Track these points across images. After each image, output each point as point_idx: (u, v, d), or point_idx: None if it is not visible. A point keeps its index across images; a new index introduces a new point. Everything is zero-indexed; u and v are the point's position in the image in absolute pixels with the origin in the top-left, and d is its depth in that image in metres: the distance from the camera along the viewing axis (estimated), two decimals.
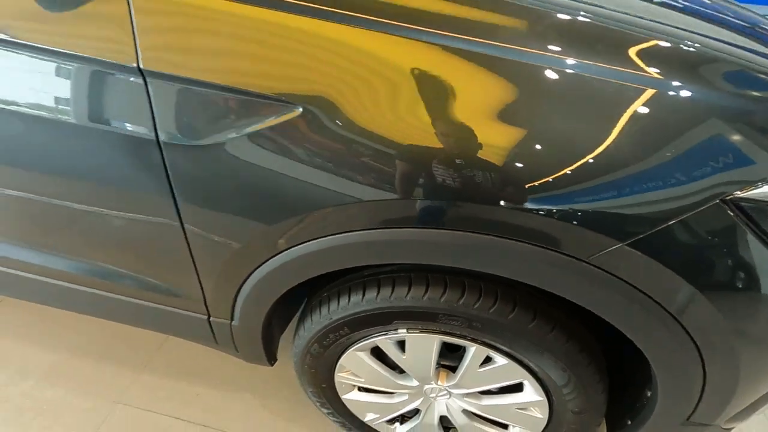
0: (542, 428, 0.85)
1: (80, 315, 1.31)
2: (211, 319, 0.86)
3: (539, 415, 0.83)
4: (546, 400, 0.79)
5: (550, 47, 0.53)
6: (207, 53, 0.54)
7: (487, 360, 0.77)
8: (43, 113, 0.64)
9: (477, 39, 0.53)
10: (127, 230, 0.74)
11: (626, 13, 0.62)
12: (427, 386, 0.87)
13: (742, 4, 0.96)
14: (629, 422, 0.82)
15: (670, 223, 0.51)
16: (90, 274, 0.87)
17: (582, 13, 0.59)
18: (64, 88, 0.62)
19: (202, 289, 0.80)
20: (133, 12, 0.54)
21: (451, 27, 0.53)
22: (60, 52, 0.59)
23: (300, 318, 0.87)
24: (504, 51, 0.52)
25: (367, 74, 0.54)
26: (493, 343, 0.73)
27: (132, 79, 0.56)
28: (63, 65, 0.60)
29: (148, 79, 0.56)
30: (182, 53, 0.55)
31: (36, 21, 0.60)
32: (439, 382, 0.85)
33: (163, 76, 0.55)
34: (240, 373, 1.23)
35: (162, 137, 0.59)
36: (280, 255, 0.69)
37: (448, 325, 0.71)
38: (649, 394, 0.75)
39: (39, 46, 0.59)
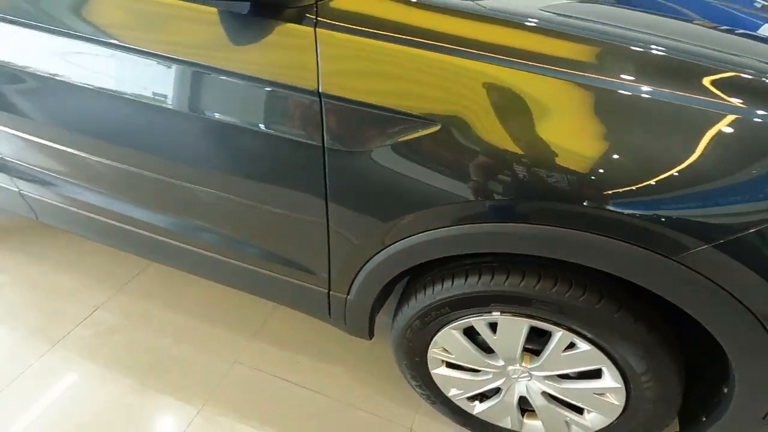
0: (617, 415, 0.94)
1: (201, 283, 1.58)
2: (331, 293, 1.04)
3: (616, 402, 0.92)
4: (624, 387, 0.88)
5: (642, 79, 0.64)
6: (371, 81, 0.72)
7: (571, 345, 0.88)
8: (231, 120, 0.84)
9: (589, 74, 0.65)
10: (280, 216, 0.93)
11: (715, 48, 0.71)
12: (510, 367, 0.99)
13: None
14: (704, 419, 0.89)
15: (752, 230, 0.60)
16: (238, 250, 1.08)
17: (673, 48, 0.69)
18: (251, 103, 0.82)
19: (329, 267, 0.98)
20: (319, 49, 0.72)
21: (557, 62, 0.66)
22: (248, 76, 0.79)
23: (403, 297, 1.02)
24: (614, 85, 0.65)
25: (492, 100, 0.68)
26: (578, 329, 0.84)
27: (310, 98, 0.75)
28: (250, 86, 0.80)
29: (323, 100, 0.74)
30: (352, 81, 0.72)
31: (227, 51, 0.80)
32: (523, 364, 0.97)
33: (336, 97, 0.73)
34: (334, 347, 1.42)
35: (327, 144, 0.77)
36: (400, 242, 0.85)
37: (539, 310, 0.83)
38: (725, 390, 0.82)
39: (228, 70, 0.79)
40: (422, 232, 0.81)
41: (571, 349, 0.88)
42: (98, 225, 1.23)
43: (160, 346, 1.41)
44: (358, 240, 0.89)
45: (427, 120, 0.70)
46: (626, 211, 0.64)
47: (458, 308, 0.91)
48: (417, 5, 0.72)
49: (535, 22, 0.71)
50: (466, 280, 0.88)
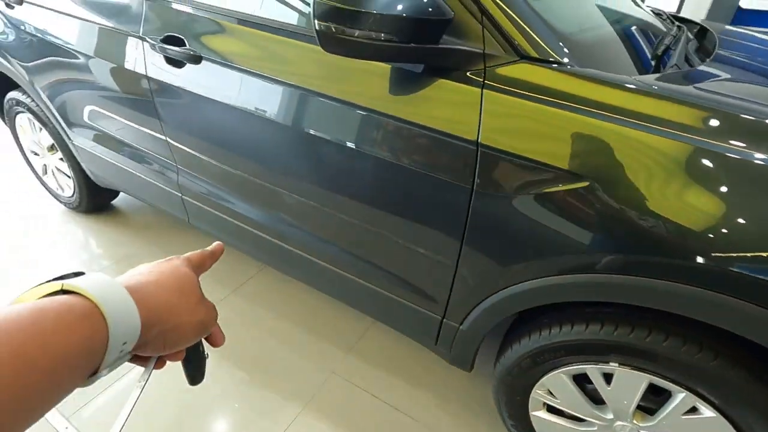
0: None
1: (303, 293, 1.72)
2: (444, 320, 1.12)
3: None
4: None
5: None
6: (529, 137, 0.81)
7: (693, 409, 0.87)
8: (391, 158, 0.97)
9: (726, 144, 0.70)
10: (414, 245, 1.04)
11: None
12: (619, 422, 0.99)
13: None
14: None
15: None
16: (362, 269, 1.21)
17: None
18: (412, 146, 0.94)
19: (449, 297, 1.07)
20: (483, 107, 0.84)
21: (698, 132, 0.72)
22: (412, 122, 0.92)
23: (515, 334, 1.08)
24: (749, 155, 0.69)
25: (638, 163, 0.75)
26: (705, 393, 0.84)
27: (469, 147, 0.86)
28: (412, 131, 0.93)
29: (480, 149, 0.85)
30: (511, 135, 0.83)
31: (395, 100, 0.94)
32: (634, 421, 0.97)
33: (493, 148, 0.84)
34: (426, 373, 1.48)
35: (476, 188, 0.87)
36: (526, 282, 0.92)
37: (663, 367, 0.85)
38: None
39: (395, 115, 0.93)
40: (551, 275, 0.87)
41: (692, 414, 0.88)
42: (240, 231, 1.43)
43: (266, 347, 1.56)
44: (484, 275, 0.97)
45: (576, 175, 0.78)
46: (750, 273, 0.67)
47: (574, 354, 0.95)
48: (576, 75, 0.82)
49: (683, 96, 0.78)
50: (586, 327, 0.91)
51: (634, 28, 1.23)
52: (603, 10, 1.22)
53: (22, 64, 1.69)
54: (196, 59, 1.17)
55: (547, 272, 0.89)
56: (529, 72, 0.82)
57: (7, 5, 1.62)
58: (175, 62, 1.22)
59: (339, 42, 0.78)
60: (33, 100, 1.83)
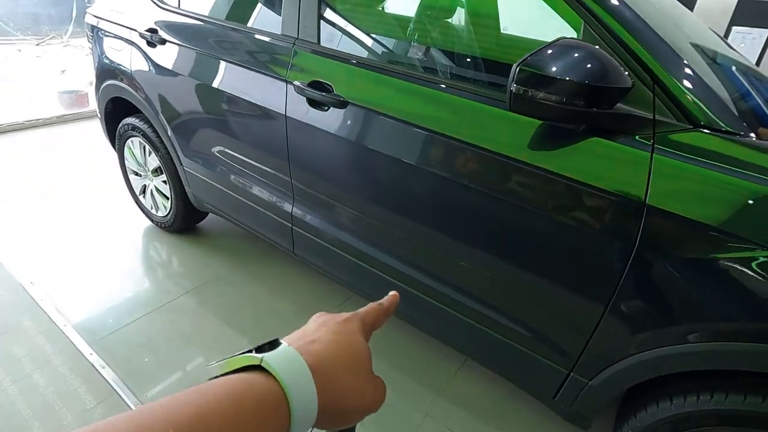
0: None
1: (394, 331, 1.73)
2: (572, 375, 1.11)
3: None
4: None
5: None
6: (702, 202, 0.84)
7: None
8: (537, 210, 1.01)
9: None
10: (559, 298, 1.05)
11: None
12: None
13: None
14: None
15: None
16: (491, 316, 1.21)
17: None
18: (566, 200, 0.98)
19: (583, 350, 1.06)
20: (653, 169, 0.87)
21: None
22: (565, 176, 0.96)
23: (650, 397, 1.05)
24: None
25: None
26: None
27: (634, 206, 0.89)
28: (565, 185, 0.97)
29: (647, 209, 0.87)
30: (681, 199, 0.85)
31: (543, 154, 0.98)
32: None
33: (661, 210, 0.86)
34: (521, 424, 1.44)
35: (638, 247, 0.89)
36: (676, 347, 0.92)
37: None
38: None
39: (544, 168, 0.97)
40: (703, 341, 0.87)
41: None
42: (358, 269, 1.47)
43: None
44: (628, 334, 0.97)
45: (750, 242, 0.79)
46: None
47: (729, 423, 0.92)
48: (752, 146, 0.85)
49: None
50: (745, 398, 0.89)
51: None
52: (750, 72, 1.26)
53: (152, 94, 1.85)
54: (342, 104, 1.26)
55: (704, 338, 0.88)
56: (706, 140, 0.86)
57: (149, 44, 1.79)
58: (318, 105, 1.32)
59: (527, 102, 0.84)
60: (150, 126, 1.99)
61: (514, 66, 0.82)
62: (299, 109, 1.36)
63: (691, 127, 0.87)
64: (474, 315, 1.24)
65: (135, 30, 1.84)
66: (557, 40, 0.85)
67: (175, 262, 2.12)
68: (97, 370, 1.50)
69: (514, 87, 0.83)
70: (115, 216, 2.41)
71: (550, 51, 0.83)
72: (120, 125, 2.17)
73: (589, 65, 0.82)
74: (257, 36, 1.49)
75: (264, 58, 1.45)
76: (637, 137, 0.90)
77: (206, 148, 1.76)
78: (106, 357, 1.55)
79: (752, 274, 0.80)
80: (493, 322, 1.21)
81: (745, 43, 2.80)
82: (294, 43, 1.38)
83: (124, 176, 2.38)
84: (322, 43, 1.34)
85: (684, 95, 0.88)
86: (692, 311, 0.88)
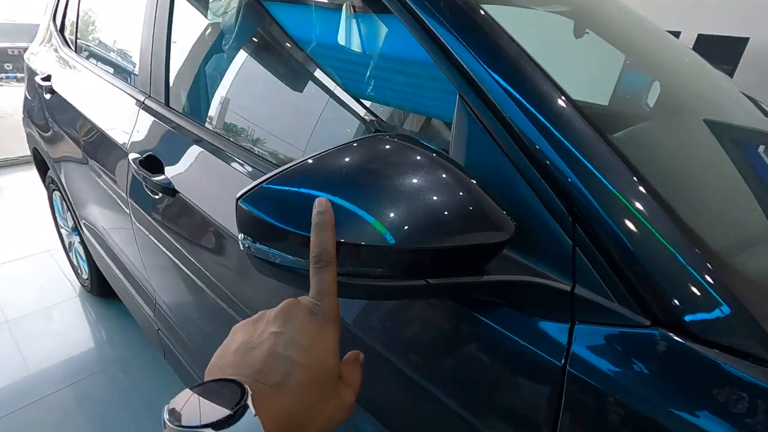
0: None
1: None
2: None
3: None
4: None
5: None
6: None
7: None
8: None
9: None
10: None
11: None
12: None
13: None
14: None
15: None
16: None
17: None
18: None
19: None
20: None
21: None
22: None
23: None
24: None
25: None
26: None
27: None
28: None
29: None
30: None
31: None
32: None
33: None
34: None
35: None
36: None
37: None
38: None
39: None
40: None
41: None
42: None
43: None
44: None
45: None
46: None
47: None
48: None
49: None
50: None
51: None
52: None
53: (47, 148, 1.59)
54: (171, 192, 0.89)
55: None
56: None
57: (48, 91, 1.54)
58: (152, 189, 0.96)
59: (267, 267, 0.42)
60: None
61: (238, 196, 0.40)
62: (138, 191, 1.00)
63: (648, 323, 0.41)
64: None
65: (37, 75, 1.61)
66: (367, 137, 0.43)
67: (72, 340, 1.76)
68: None
69: (241, 238, 0.41)
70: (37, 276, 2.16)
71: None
72: (47, 176, 1.95)
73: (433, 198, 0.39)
74: (115, 85, 1.17)
75: (113, 120, 1.13)
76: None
77: (86, 212, 1.46)
78: None
79: None
80: None
81: None
82: (143, 102, 1.04)
83: (57, 230, 2.15)
84: (171, 104, 0.99)
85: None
86: None
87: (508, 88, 0.48)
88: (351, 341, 0.58)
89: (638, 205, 0.42)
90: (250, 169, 0.75)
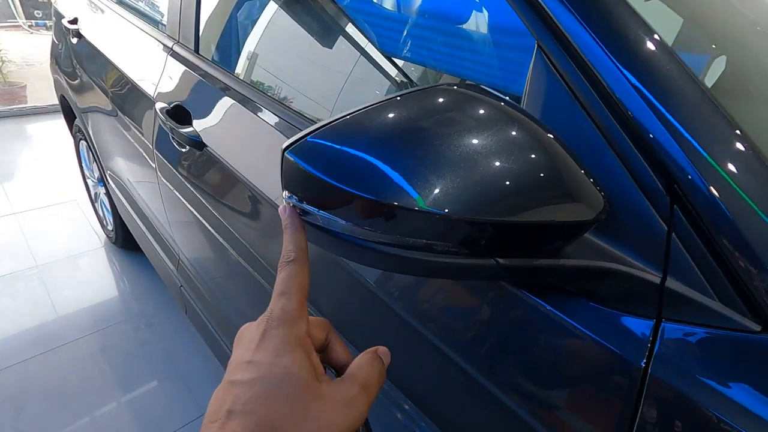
0: None
1: None
2: None
3: None
4: None
5: None
6: None
7: None
8: None
9: None
10: None
11: None
12: None
13: None
14: None
15: None
16: None
17: None
18: None
19: None
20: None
21: None
22: None
23: None
24: None
25: None
26: None
27: None
28: None
29: None
30: None
31: None
32: None
33: None
34: None
35: None
36: None
37: None
38: None
39: None
40: None
41: None
42: None
43: None
44: None
45: None
46: None
47: None
48: None
49: None
50: None
51: None
52: None
53: (74, 95, 1.56)
54: (198, 145, 0.84)
55: None
56: None
57: (74, 35, 1.50)
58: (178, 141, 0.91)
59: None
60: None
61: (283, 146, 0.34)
62: (164, 143, 0.96)
63: (758, 328, 0.34)
64: None
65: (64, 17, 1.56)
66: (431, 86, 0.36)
67: (98, 290, 1.81)
68: None
69: (285, 195, 0.35)
70: (57, 226, 2.20)
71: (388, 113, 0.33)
72: (74, 125, 1.94)
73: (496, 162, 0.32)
74: (143, 29, 1.11)
75: (140, 67, 1.08)
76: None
77: (112, 164, 1.44)
78: None
79: None
80: None
81: None
82: (172, 48, 0.98)
83: (83, 180, 2.16)
84: (201, 51, 0.93)
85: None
86: None
87: (599, 41, 0.40)
88: (405, 331, 0.53)
89: (757, 186, 0.35)
90: (284, 123, 0.69)
